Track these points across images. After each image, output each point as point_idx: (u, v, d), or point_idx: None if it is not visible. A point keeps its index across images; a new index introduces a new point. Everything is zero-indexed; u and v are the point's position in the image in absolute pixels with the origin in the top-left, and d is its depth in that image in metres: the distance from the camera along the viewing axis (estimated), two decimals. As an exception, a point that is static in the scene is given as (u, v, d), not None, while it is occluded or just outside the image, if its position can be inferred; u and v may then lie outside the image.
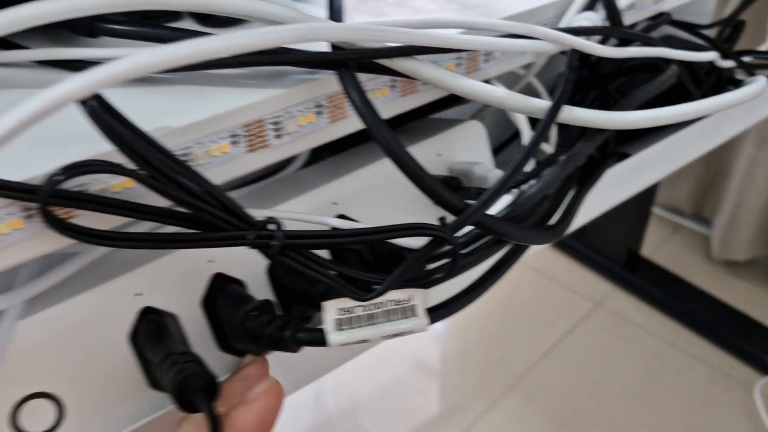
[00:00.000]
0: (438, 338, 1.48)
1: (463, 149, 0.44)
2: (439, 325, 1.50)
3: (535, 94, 0.46)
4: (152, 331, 0.32)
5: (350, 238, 0.30)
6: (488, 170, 0.41)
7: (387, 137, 0.30)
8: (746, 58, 0.56)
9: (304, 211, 0.37)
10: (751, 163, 1.40)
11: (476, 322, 1.48)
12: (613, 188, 0.52)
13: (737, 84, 0.57)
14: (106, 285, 0.32)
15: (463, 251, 0.33)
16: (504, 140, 0.55)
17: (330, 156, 0.44)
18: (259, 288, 0.37)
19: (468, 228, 0.33)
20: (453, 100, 0.47)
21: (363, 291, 0.31)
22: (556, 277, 1.57)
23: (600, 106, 0.46)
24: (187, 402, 0.28)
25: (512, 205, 0.33)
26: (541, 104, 0.34)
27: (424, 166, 0.39)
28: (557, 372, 1.36)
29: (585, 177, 0.45)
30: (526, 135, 0.42)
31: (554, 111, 0.34)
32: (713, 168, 1.56)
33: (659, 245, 1.63)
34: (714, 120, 0.60)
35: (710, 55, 0.49)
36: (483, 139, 0.45)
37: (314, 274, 0.30)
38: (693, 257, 1.60)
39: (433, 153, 0.42)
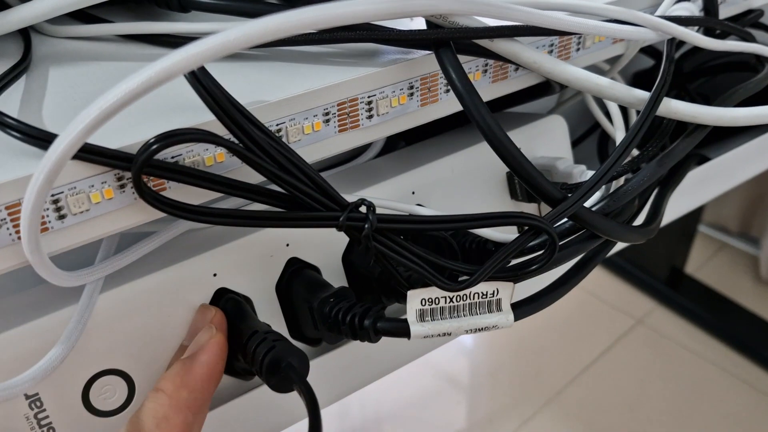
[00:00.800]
0: (472, 350, 1.46)
1: (543, 144, 0.42)
2: (471, 337, 1.48)
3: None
4: (232, 311, 0.31)
5: (445, 224, 0.29)
6: (572, 166, 0.39)
7: (487, 120, 0.29)
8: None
9: (386, 197, 0.35)
10: (804, 182, 1.36)
11: (514, 335, 1.46)
12: (690, 192, 0.50)
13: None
14: (183, 263, 0.31)
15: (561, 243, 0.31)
16: (577, 137, 0.53)
17: (405, 146, 0.43)
18: (332, 276, 0.36)
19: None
20: (528, 94, 0.45)
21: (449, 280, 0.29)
22: (597, 293, 1.53)
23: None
24: (279, 379, 0.27)
25: (608, 200, 0.32)
26: (644, 95, 0.33)
27: (468, 178, 0.38)
28: (596, 388, 1.33)
29: (667, 177, 0.43)
30: (620, 128, 0.40)
31: (655, 101, 0.32)
32: (762, 186, 1.52)
33: (704, 263, 1.60)
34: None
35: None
36: (564, 134, 0.43)
37: (404, 260, 0.29)
38: (739, 277, 1.56)
39: (514, 146, 0.41)
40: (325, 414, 0.27)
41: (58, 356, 0.27)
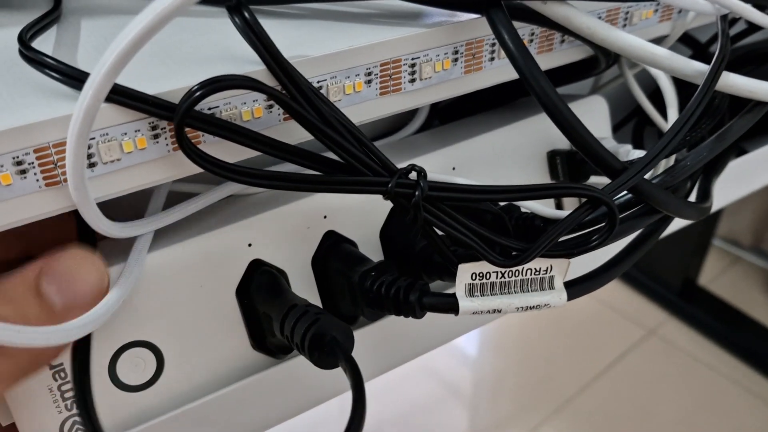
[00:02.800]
0: (478, 357, 1.44)
1: (585, 125, 0.40)
2: (475, 345, 1.46)
3: (628, 89, 0.43)
4: (268, 284, 0.30)
5: (500, 195, 0.27)
6: (617, 146, 0.38)
7: (545, 86, 0.27)
8: None
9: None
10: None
11: (522, 342, 1.44)
12: (728, 184, 0.48)
13: None
14: (217, 232, 0.30)
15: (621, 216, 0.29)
16: (615, 123, 0.51)
17: (440, 125, 0.41)
18: (369, 251, 0.34)
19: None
20: (571, 75, 0.44)
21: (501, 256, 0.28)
22: (609, 302, 1.51)
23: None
24: (323, 354, 0.25)
25: (667, 174, 0.30)
26: (703, 68, 0.31)
27: (508, 157, 0.37)
28: (605, 398, 1.31)
29: (711, 163, 0.41)
30: (672, 104, 0.38)
31: (715, 74, 0.30)
32: (776, 200, 1.50)
33: (717, 276, 1.58)
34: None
35: None
36: (605, 115, 0.41)
37: (455, 232, 0.27)
38: (752, 291, 1.54)
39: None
40: (325, 417, 0.26)
41: (113, 302, 0.25)
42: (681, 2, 0.31)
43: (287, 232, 0.31)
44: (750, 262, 1.62)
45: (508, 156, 0.38)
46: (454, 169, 0.36)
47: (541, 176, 0.39)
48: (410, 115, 0.42)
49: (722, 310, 1.46)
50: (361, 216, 0.33)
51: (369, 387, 0.35)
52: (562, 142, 0.40)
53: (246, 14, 0.24)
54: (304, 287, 0.32)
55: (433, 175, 0.32)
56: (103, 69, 0.20)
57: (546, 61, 0.35)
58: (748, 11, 0.34)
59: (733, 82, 0.32)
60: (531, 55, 0.28)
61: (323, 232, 0.32)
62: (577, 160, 0.38)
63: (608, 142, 0.38)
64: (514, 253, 0.28)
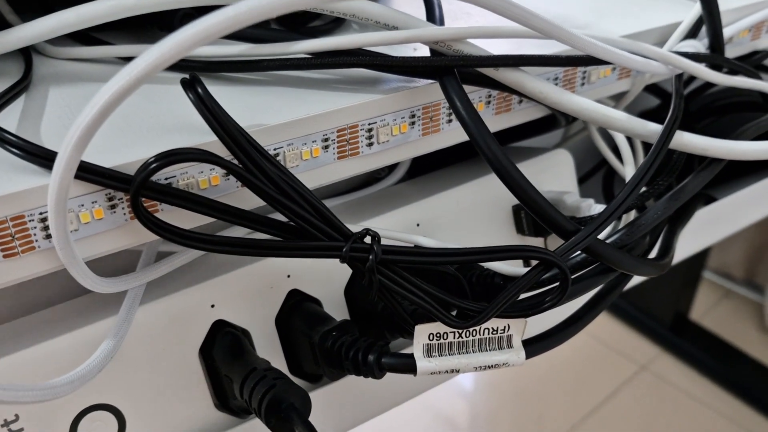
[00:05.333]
0: (473, 393, 1.43)
1: (549, 178, 0.41)
2: (471, 380, 1.45)
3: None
4: (230, 346, 0.30)
5: (453, 258, 0.27)
6: (580, 200, 0.38)
7: (495, 150, 0.28)
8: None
9: (390, 228, 0.34)
10: (809, 229, 1.35)
11: (515, 378, 1.43)
12: (698, 232, 0.49)
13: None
14: (179, 294, 0.30)
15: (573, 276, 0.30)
16: (581, 175, 0.52)
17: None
18: (334, 309, 0.34)
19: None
20: (533, 129, 0.45)
21: (457, 318, 0.28)
22: (600, 337, 1.51)
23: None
24: (280, 421, 0.26)
25: (621, 234, 0.31)
26: (657, 128, 0.32)
27: (473, 211, 0.37)
28: (599, 436, 1.30)
29: (676, 215, 0.42)
30: (629, 162, 0.39)
31: (668, 133, 0.31)
32: (766, 234, 1.51)
33: (708, 310, 1.58)
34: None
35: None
36: (570, 169, 0.42)
37: (410, 295, 0.27)
38: (744, 325, 1.54)
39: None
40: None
41: (104, 356, 0.26)
42: (634, 65, 0.32)
43: (251, 292, 0.32)
44: (742, 295, 1.62)
45: (472, 211, 0.39)
46: (418, 225, 0.37)
47: (506, 230, 0.40)
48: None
49: (714, 344, 1.45)
50: (325, 274, 0.34)
51: (362, 427, 0.36)
52: (527, 196, 0.40)
53: (199, 90, 0.25)
54: (269, 346, 0.33)
55: (393, 234, 0.33)
56: (71, 143, 0.21)
57: (505, 121, 0.35)
58: (700, 71, 0.35)
59: (687, 141, 0.33)
60: (481, 121, 0.29)
61: (287, 291, 0.33)
62: (541, 214, 0.39)
63: (571, 196, 0.38)
64: (471, 313, 0.28)
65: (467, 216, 0.39)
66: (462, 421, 1.36)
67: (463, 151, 0.43)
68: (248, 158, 0.25)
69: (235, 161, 0.25)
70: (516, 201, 0.40)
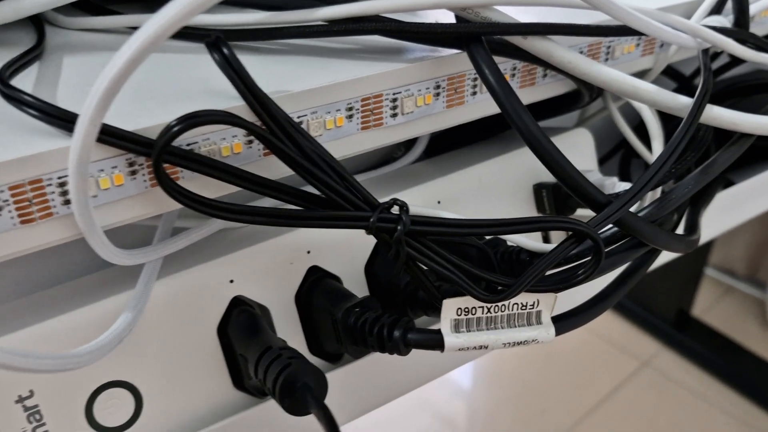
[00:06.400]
0: (472, 390, 1.42)
1: (570, 158, 0.40)
2: (469, 378, 1.44)
3: (613, 122, 0.43)
4: (247, 323, 0.29)
5: (484, 229, 0.27)
6: (603, 178, 0.37)
7: (527, 121, 0.27)
8: None
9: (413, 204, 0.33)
10: (812, 225, 1.35)
11: (516, 375, 1.42)
12: (715, 216, 0.48)
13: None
14: (198, 268, 0.29)
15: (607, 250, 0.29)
16: (602, 156, 0.51)
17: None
18: (354, 286, 0.33)
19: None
20: (554, 108, 0.44)
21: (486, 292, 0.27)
22: (602, 333, 1.50)
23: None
24: (294, 401, 0.25)
25: (654, 207, 0.30)
26: (687, 101, 0.31)
27: (494, 189, 0.36)
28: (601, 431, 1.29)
29: (698, 195, 0.41)
30: (656, 136, 0.38)
31: (699, 107, 0.30)
32: (769, 230, 1.51)
33: (710, 306, 1.57)
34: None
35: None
36: (591, 148, 0.41)
37: (439, 267, 0.26)
38: (746, 321, 1.53)
39: (541, 159, 0.39)
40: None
41: (123, 329, 0.25)
42: (663, 36, 0.31)
43: (270, 268, 0.31)
44: (744, 291, 1.61)
45: (493, 189, 0.38)
46: (439, 202, 0.36)
47: (527, 209, 0.39)
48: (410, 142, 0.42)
49: (716, 340, 1.45)
50: (346, 251, 0.33)
51: (363, 421, 0.35)
52: (549, 175, 0.39)
53: (225, 50, 0.24)
54: (288, 324, 0.32)
55: (417, 209, 0.32)
56: (94, 103, 0.20)
57: (528, 95, 0.35)
58: (729, 45, 0.34)
59: (717, 115, 0.32)
60: (512, 90, 0.28)
61: (307, 267, 0.32)
62: (563, 193, 0.38)
63: (593, 174, 0.38)
64: (499, 288, 0.27)
65: (488, 194, 0.38)
66: (460, 419, 1.35)
67: (476, 133, 0.43)
68: (275, 122, 0.24)
69: (262, 126, 0.24)
70: (537, 179, 0.39)
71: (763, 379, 1.36)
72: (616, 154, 0.52)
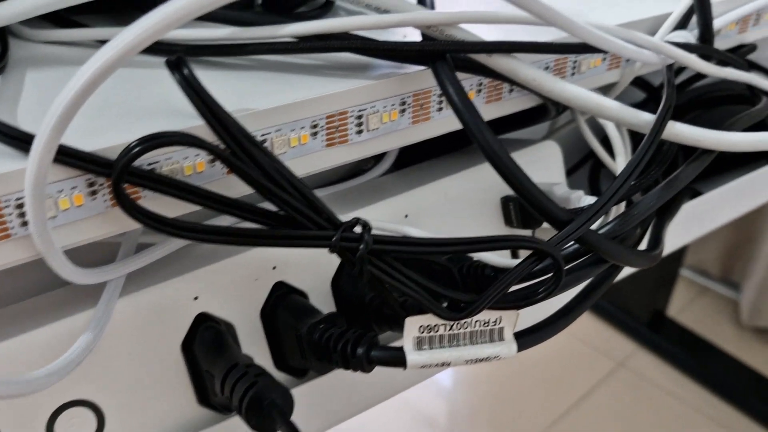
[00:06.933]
0: (452, 391, 1.43)
1: (537, 170, 0.41)
2: (450, 378, 1.45)
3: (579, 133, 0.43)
4: (212, 341, 0.29)
5: (445, 248, 0.27)
6: (570, 191, 0.38)
7: (489, 138, 0.27)
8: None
9: (378, 220, 0.34)
10: (785, 227, 1.37)
11: (488, 379, 1.43)
12: (683, 226, 0.49)
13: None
14: (161, 285, 0.29)
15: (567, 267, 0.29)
16: (572, 165, 0.51)
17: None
18: (321, 302, 0.34)
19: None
20: (522, 120, 0.44)
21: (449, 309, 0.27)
22: (578, 334, 1.52)
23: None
24: (261, 419, 0.25)
25: (614, 224, 0.30)
26: (650, 117, 0.31)
27: (462, 202, 0.37)
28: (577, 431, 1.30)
29: (664, 208, 0.41)
30: (620, 152, 0.39)
31: (661, 123, 0.31)
32: (742, 231, 1.52)
33: (685, 307, 1.59)
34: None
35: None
36: (559, 160, 0.42)
37: (401, 285, 0.27)
38: (720, 321, 1.55)
39: (508, 172, 0.39)
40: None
41: (82, 349, 0.25)
42: (624, 53, 0.32)
43: (235, 284, 0.31)
44: (718, 292, 1.63)
45: (461, 202, 0.38)
46: (406, 216, 0.36)
47: (494, 222, 0.39)
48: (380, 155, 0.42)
49: (691, 341, 1.47)
50: (312, 266, 0.33)
51: (341, 426, 0.35)
52: (516, 188, 0.40)
53: (185, 70, 0.24)
54: (254, 339, 0.32)
55: (382, 224, 0.32)
56: (51, 124, 0.20)
57: (495, 110, 0.35)
58: (691, 61, 0.35)
59: (679, 131, 0.32)
60: (475, 108, 0.28)
61: (272, 283, 0.32)
62: (530, 205, 0.38)
63: (560, 187, 0.38)
64: (462, 305, 0.28)
65: (456, 207, 0.38)
66: (441, 419, 1.36)
67: (447, 144, 0.43)
68: (235, 142, 0.24)
69: (222, 146, 0.24)
70: (504, 192, 0.40)
71: (735, 379, 1.38)
72: (586, 164, 0.53)
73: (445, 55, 0.29)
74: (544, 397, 1.38)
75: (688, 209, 0.48)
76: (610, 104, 0.31)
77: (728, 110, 0.48)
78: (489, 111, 0.35)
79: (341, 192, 0.38)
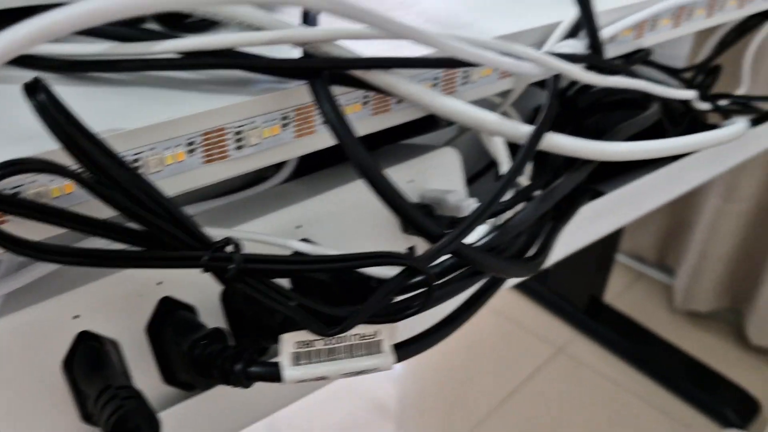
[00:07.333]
0: (395, 379, 1.44)
1: (436, 177, 0.41)
2: (396, 365, 1.47)
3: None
4: (89, 360, 0.29)
5: (313, 266, 0.27)
6: (462, 199, 0.38)
7: (361, 155, 0.28)
8: (722, 102, 0.55)
9: (267, 232, 0.34)
10: (716, 215, 1.41)
11: (436, 364, 1.45)
12: (584, 226, 0.50)
13: (712, 128, 0.56)
14: (38, 306, 0.29)
15: (438, 282, 0.30)
16: (476, 171, 0.52)
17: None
18: (212, 315, 0.34)
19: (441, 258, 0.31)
20: (425, 126, 0.45)
21: (325, 324, 0.28)
22: (518, 321, 1.54)
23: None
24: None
25: (492, 235, 0.31)
26: (529, 130, 0.32)
27: (359, 209, 0.37)
28: (518, 417, 1.33)
29: (560, 212, 0.43)
30: (505, 163, 0.40)
31: (537, 136, 0.32)
32: (677, 218, 1.56)
33: (622, 292, 1.63)
34: (687, 163, 0.58)
35: (690, 94, 0.47)
36: (457, 168, 0.42)
37: (273, 303, 0.27)
38: (655, 306, 1.60)
39: (405, 179, 0.40)
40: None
41: None
42: (504, 66, 0.32)
43: (118, 302, 0.31)
44: (654, 278, 1.68)
45: (358, 210, 0.38)
46: (299, 227, 0.36)
47: (392, 230, 0.40)
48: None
49: (627, 326, 1.50)
50: (200, 281, 0.33)
51: (291, 407, 0.35)
52: (413, 196, 0.40)
53: (40, 97, 0.23)
54: (141, 356, 0.32)
55: (267, 238, 0.32)
56: None
57: (384, 121, 0.35)
58: (575, 73, 0.35)
59: (558, 143, 0.33)
60: (347, 125, 0.28)
61: (158, 299, 0.32)
62: (425, 212, 0.39)
63: (454, 195, 0.39)
64: (337, 320, 0.28)
65: (353, 215, 0.38)
66: (391, 406, 1.38)
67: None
68: (96, 166, 0.24)
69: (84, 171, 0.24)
70: (401, 200, 0.40)
71: (671, 364, 1.42)
72: (493, 169, 0.54)
73: (322, 72, 0.29)
74: (487, 382, 1.40)
75: (589, 210, 0.49)
76: (489, 117, 0.32)
77: (630, 113, 0.50)
78: (377, 122, 0.35)
79: (238, 202, 0.38)
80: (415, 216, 0.28)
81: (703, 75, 0.59)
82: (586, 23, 0.38)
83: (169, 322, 0.32)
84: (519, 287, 1.62)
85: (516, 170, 0.30)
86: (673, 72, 0.62)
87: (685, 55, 0.71)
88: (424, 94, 0.31)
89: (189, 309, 0.33)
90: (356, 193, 0.39)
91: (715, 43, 0.62)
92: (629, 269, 1.70)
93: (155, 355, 0.32)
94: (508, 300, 1.59)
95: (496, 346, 1.49)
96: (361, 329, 0.29)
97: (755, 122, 0.56)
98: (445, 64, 0.32)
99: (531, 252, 0.36)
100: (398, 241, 0.40)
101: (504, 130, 0.32)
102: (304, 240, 0.36)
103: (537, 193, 0.34)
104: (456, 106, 0.31)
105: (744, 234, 1.43)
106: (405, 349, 0.30)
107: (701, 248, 1.46)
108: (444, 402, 1.37)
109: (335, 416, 1.32)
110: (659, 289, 1.65)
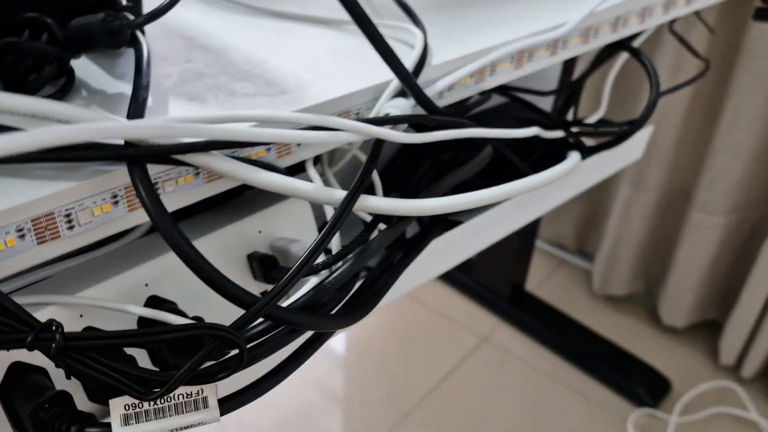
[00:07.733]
0: (320, 375, 1.48)
1: (287, 226, 0.45)
2: (344, 347, 1.51)
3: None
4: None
5: (132, 339, 0.30)
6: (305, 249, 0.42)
7: (172, 234, 0.31)
8: (574, 129, 0.60)
9: (116, 293, 0.37)
10: (627, 203, 1.47)
11: (363, 357, 1.49)
12: (440, 256, 0.54)
13: (577, 147, 0.60)
14: None
15: (254, 344, 0.34)
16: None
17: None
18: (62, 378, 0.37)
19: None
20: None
21: (149, 388, 0.31)
22: (444, 312, 1.60)
23: (432, 177, 0.48)
24: None
25: (309, 296, 0.35)
26: (342, 195, 0.36)
27: (212, 261, 0.40)
28: (445, 407, 1.38)
29: (410, 246, 0.46)
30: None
31: (347, 204, 0.35)
32: (593, 206, 1.63)
33: (544, 280, 1.69)
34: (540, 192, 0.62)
35: (531, 131, 0.51)
36: (308, 216, 0.46)
37: (98, 375, 0.30)
38: (576, 292, 1.67)
39: (255, 229, 0.43)
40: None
41: None
42: (306, 140, 0.35)
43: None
44: (574, 264, 1.75)
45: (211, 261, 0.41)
46: (147, 285, 0.39)
47: (244, 277, 0.43)
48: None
49: (548, 313, 1.57)
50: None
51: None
52: (263, 246, 0.44)
53: None
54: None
55: (107, 304, 0.35)
56: None
57: (217, 187, 0.38)
58: (392, 135, 0.39)
59: (372, 204, 0.37)
60: (161, 207, 0.31)
61: (8, 363, 0.35)
62: (269, 263, 0.42)
63: (298, 245, 0.42)
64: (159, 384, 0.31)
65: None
66: (318, 400, 1.41)
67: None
68: None
69: None
70: (251, 250, 0.44)
71: (588, 348, 1.49)
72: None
73: (140, 159, 0.32)
74: (415, 373, 1.45)
75: (447, 239, 0.53)
76: (304, 187, 0.35)
77: (480, 149, 0.54)
78: (211, 188, 0.37)
79: (90, 261, 0.41)
80: (224, 286, 0.32)
81: (563, 100, 0.63)
82: (405, 84, 0.41)
83: (19, 385, 0.34)
84: (444, 278, 1.67)
85: (326, 236, 0.34)
86: (540, 94, 0.67)
87: (557, 76, 0.75)
88: (241, 169, 0.34)
89: (41, 371, 0.36)
90: (209, 246, 0.42)
91: (582, 70, 0.66)
92: (552, 256, 1.77)
93: (9, 418, 0.35)
94: (432, 291, 1.64)
95: (423, 338, 1.54)
96: (185, 389, 0.32)
97: (593, 150, 0.60)
98: (255, 143, 0.35)
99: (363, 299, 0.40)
100: (249, 288, 0.43)
101: (320, 197, 0.36)
102: (153, 297, 0.39)
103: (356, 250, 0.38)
104: (272, 179, 0.35)
105: (653, 221, 1.50)
106: (232, 402, 0.33)
107: (615, 235, 1.53)
108: (370, 396, 1.42)
109: (288, 403, 1.36)
110: (580, 275, 1.72)
